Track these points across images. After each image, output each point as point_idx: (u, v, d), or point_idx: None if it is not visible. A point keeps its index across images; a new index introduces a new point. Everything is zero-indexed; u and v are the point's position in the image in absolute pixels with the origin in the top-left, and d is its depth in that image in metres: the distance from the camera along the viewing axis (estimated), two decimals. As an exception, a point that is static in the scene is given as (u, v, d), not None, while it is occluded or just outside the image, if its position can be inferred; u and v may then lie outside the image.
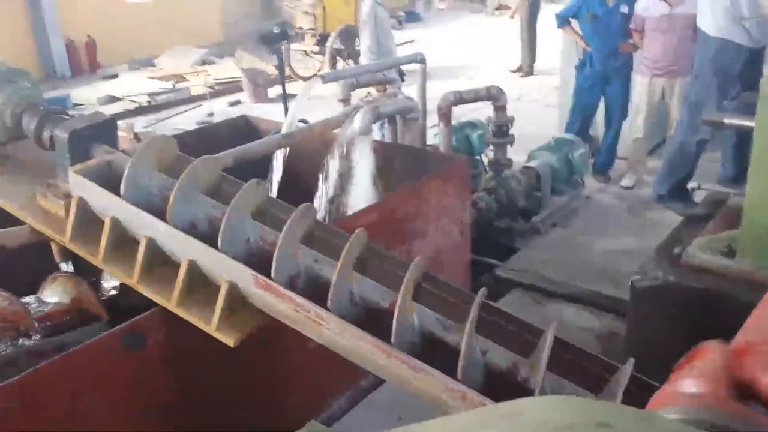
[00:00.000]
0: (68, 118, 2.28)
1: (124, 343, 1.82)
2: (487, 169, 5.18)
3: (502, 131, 4.87)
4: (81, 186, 2.02)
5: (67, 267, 2.34)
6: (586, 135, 5.95)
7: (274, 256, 1.76)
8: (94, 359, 1.81)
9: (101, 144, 2.19)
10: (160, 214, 1.88)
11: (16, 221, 2.23)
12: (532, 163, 5.22)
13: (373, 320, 1.74)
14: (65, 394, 1.79)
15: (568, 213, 5.36)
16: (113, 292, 2.46)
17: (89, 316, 2.21)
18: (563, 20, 6.01)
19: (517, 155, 5.23)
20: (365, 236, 1.84)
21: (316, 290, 1.79)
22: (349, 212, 3.16)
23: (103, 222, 1.99)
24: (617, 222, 5.28)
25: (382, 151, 3.36)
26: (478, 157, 5.39)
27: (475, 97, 4.66)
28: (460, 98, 4.53)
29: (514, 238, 4.92)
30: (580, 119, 6.00)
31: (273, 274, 1.76)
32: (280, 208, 1.96)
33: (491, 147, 4.96)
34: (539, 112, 8.17)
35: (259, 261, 1.82)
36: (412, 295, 1.70)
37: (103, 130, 2.24)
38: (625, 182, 5.89)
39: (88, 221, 2.04)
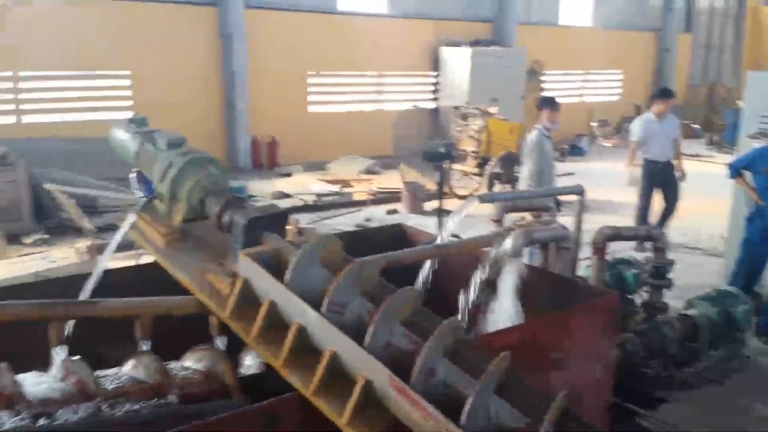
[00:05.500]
0: (247, 206, 2.51)
1: (263, 420, 1.91)
2: (640, 311, 4.96)
3: (660, 273, 4.68)
4: (248, 268, 2.20)
5: (220, 342, 2.50)
6: (750, 290, 5.56)
7: (416, 364, 1.80)
8: (234, 430, 1.91)
9: (272, 233, 2.39)
10: (315, 305, 2.01)
11: (186, 292, 2.44)
12: (690, 312, 4.93)
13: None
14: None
15: (724, 371, 4.95)
16: (251, 372, 2.58)
17: (224, 390, 2.33)
18: (736, 171, 5.79)
19: (672, 301, 4.98)
20: (508, 360, 1.84)
21: (449, 404, 1.79)
22: (489, 330, 3.14)
23: (260, 304, 2.14)
24: (780, 389, 4.80)
25: (530, 276, 3.35)
26: (630, 297, 5.19)
27: (635, 235, 4.55)
28: (618, 234, 4.44)
29: (661, 388, 4.60)
30: (746, 273, 5.64)
31: (411, 381, 1.79)
32: (428, 318, 2.02)
33: (646, 288, 4.77)
34: (702, 260, 7.76)
35: (398, 366, 1.87)
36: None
37: (275, 221, 2.45)
38: (793, 348, 5.38)
39: (248, 301, 2.21)
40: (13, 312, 2.13)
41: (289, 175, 12.74)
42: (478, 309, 3.29)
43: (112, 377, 2.19)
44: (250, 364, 2.68)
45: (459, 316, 3.28)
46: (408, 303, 2.01)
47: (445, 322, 1.89)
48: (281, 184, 11.64)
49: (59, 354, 2.21)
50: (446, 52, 15.90)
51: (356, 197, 11.07)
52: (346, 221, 9.59)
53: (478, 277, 3.36)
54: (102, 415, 2.00)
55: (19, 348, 2.19)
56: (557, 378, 3.05)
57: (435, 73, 16.28)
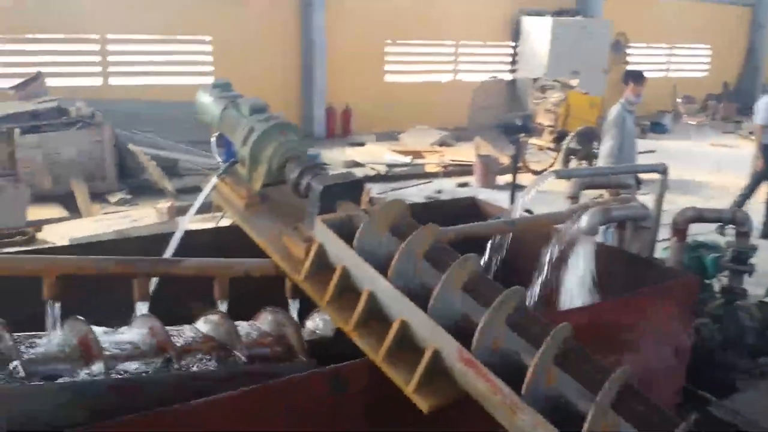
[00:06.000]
0: (324, 173, 2.54)
1: (331, 383, 1.96)
2: (717, 296, 4.79)
3: (741, 258, 4.50)
4: (323, 234, 2.24)
5: (294, 304, 2.57)
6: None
7: (477, 331, 1.81)
8: (302, 392, 1.97)
9: (347, 201, 2.42)
10: (384, 270, 2.03)
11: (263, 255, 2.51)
12: (771, 300, 4.73)
13: (564, 419, 1.70)
14: (269, 418, 1.93)
15: (805, 363, 4.74)
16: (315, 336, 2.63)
17: (290, 352, 2.39)
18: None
19: (753, 288, 4.79)
20: (569, 331, 1.82)
21: (508, 371, 1.80)
22: (560, 309, 3.10)
23: (334, 269, 2.18)
24: None
25: (604, 255, 3.28)
26: (708, 282, 5.01)
27: (718, 217, 4.39)
28: (700, 216, 4.28)
29: (735, 376, 4.45)
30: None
31: (472, 347, 1.80)
32: (490, 287, 2.01)
33: (725, 274, 4.61)
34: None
35: (462, 334, 1.88)
36: (610, 403, 1.64)
37: (351, 189, 2.48)
38: None
39: (322, 266, 2.25)
40: (101, 266, 2.24)
41: (361, 144, 12.81)
42: (550, 287, 3.25)
43: (183, 333, 2.28)
44: (314, 328, 2.73)
45: (529, 293, 3.26)
46: (470, 270, 2.00)
47: (507, 290, 1.88)
48: (353, 153, 11.73)
49: (141, 309, 2.31)
50: (527, 22, 15.53)
51: (427, 169, 11.05)
52: (416, 192, 9.60)
53: (550, 255, 3.31)
54: (172, 369, 2.08)
55: (101, 302, 2.30)
56: (629, 360, 3.00)
57: (513, 44, 15.94)
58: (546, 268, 3.32)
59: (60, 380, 1.89)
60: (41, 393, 1.83)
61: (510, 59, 16.08)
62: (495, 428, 1.77)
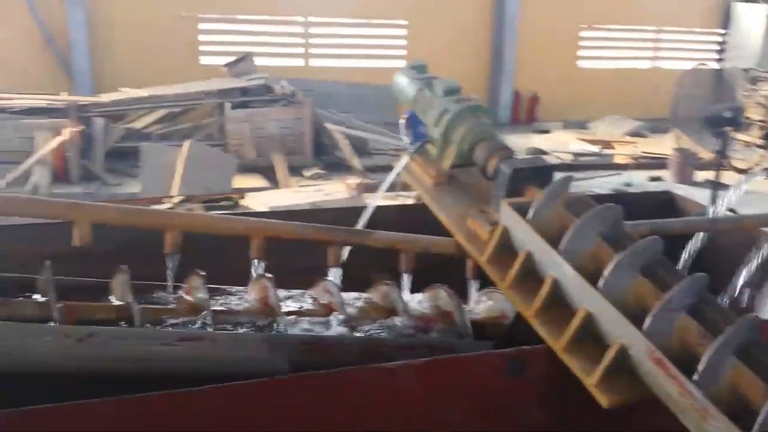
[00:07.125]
0: (513, 156, 2.54)
1: (510, 366, 1.97)
2: None
3: None
4: (509, 217, 2.24)
5: (475, 284, 2.60)
6: None
7: (650, 315, 1.72)
8: (480, 370, 2.00)
9: (535, 186, 2.40)
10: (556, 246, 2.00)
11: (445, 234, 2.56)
12: None
13: (740, 415, 1.59)
14: (445, 391, 1.98)
15: None
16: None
17: (454, 331, 2.40)
18: None
19: None
20: (756, 322, 1.69)
21: (683, 360, 1.70)
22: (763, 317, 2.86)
23: (517, 253, 2.18)
24: None
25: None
26: None
27: None
28: None
29: None
30: None
31: (644, 328, 1.73)
32: (670, 271, 1.90)
33: None
34: None
35: (637, 319, 1.80)
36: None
37: (540, 175, 2.45)
38: None
39: (505, 249, 2.26)
40: (302, 232, 2.41)
41: (547, 131, 12.51)
42: (752, 293, 3.00)
43: (356, 300, 2.41)
44: (476, 309, 2.72)
45: (727, 298, 3.04)
46: (650, 253, 1.91)
47: (687, 276, 1.77)
48: (538, 141, 11.50)
49: (334, 274, 2.46)
50: (739, 9, 14.23)
51: (617, 160, 10.55)
52: (601, 184, 9.21)
53: (754, 259, 3.05)
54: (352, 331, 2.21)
55: (288, 266, 2.46)
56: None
57: (722, 31, 14.68)
58: (747, 273, 3.06)
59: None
60: (243, 342, 2.03)
61: (717, 47, 14.82)
62: (676, 428, 1.69)
